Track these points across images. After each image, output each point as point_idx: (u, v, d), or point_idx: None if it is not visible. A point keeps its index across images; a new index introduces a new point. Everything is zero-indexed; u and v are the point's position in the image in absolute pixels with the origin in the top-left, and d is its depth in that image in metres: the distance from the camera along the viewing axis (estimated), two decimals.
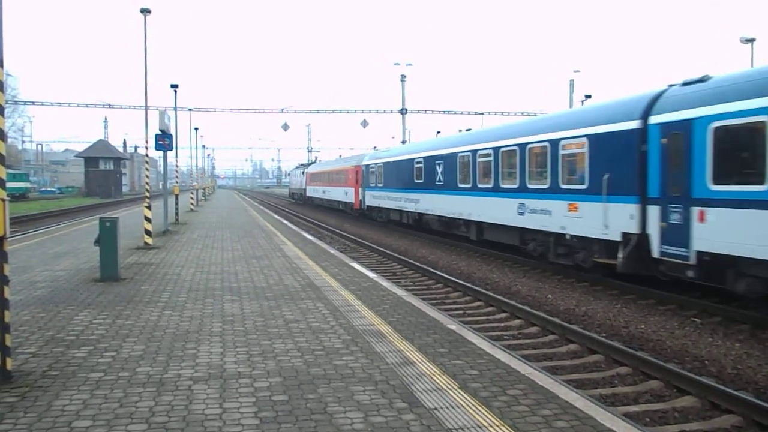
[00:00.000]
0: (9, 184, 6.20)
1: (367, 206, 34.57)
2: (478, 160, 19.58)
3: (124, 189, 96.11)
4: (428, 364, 6.57)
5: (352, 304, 9.69)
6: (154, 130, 21.81)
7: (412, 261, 18.26)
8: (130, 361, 6.62)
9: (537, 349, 9.64)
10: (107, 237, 11.81)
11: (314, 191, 53.34)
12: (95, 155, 79.91)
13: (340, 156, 58.31)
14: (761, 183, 9.41)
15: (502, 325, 11.16)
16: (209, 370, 6.32)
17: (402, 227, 29.16)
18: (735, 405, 6.81)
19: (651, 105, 12.16)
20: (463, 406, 5.32)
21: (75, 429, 4.81)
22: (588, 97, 42.08)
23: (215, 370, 6.32)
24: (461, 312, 12.07)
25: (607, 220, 13.00)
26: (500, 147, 18.00)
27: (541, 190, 15.67)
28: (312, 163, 68.66)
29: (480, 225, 19.94)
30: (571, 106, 43.75)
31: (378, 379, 6.06)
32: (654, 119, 11.87)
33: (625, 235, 12.52)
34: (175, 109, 29.80)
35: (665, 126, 11.54)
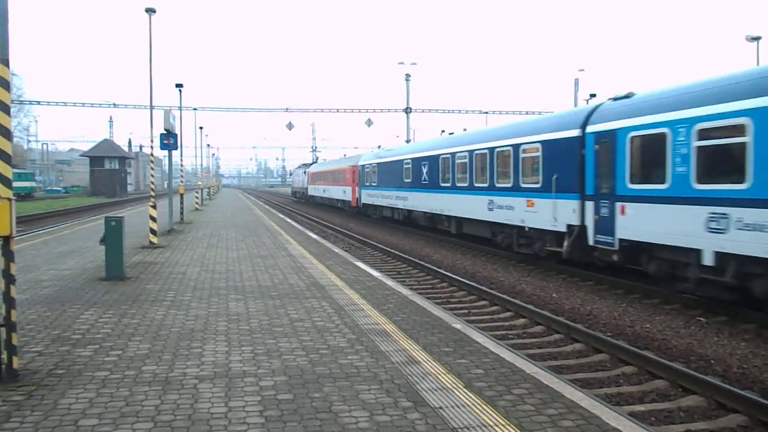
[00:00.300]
0: (15, 184, 6.22)
1: (363, 204, 36.68)
2: (456, 161, 21.79)
3: (130, 188, 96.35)
4: (433, 363, 6.57)
5: (356, 303, 9.70)
6: (159, 129, 21.87)
7: (416, 260, 18.26)
8: (135, 359, 6.64)
9: (542, 348, 9.63)
10: (113, 236, 11.84)
11: (315, 190, 55.70)
12: (100, 155, 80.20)
13: (345, 155, 58.57)
14: (664, 182, 11.68)
15: (507, 324, 11.15)
16: (215, 368, 6.34)
17: (400, 225, 29.80)
18: (741, 404, 6.79)
19: (589, 116, 14.42)
20: (469, 405, 5.31)
21: (81, 427, 4.82)
22: (593, 95, 42.06)
23: (220, 368, 6.34)
24: (466, 311, 12.07)
25: (556, 214, 15.28)
26: (474, 150, 20.36)
27: (506, 189, 18.01)
28: (313, 163, 71.17)
29: (459, 220, 22.14)
30: (575, 104, 43.66)
31: (383, 378, 6.06)
32: (590, 129, 14.19)
33: (569, 226, 14.77)
34: (180, 108, 29.89)
35: (597, 135, 13.89)
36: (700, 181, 10.87)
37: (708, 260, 10.61)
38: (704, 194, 10.75)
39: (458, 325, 8.31)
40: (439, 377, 6.08)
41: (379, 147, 45.08)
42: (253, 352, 6.94)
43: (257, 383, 5.88)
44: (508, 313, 11.80)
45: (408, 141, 53.57)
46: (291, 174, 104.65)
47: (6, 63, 5.95)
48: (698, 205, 10.85)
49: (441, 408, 5.24)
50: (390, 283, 11.77)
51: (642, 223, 12.24)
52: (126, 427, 4.83)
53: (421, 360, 6.67)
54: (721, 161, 10.74)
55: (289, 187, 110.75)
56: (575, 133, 14.68)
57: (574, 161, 14.57)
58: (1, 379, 5.88)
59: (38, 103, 73.10)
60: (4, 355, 5.94)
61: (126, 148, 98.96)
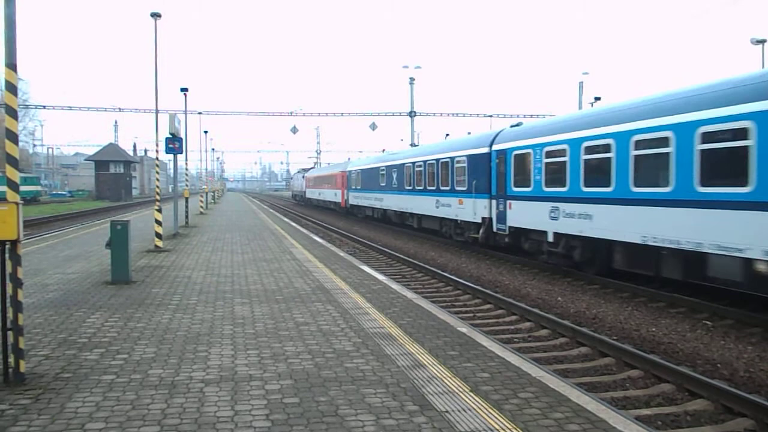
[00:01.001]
0: (21, 188, 6.25)
1: (350, 205, 41.99)
2: (415, 169, 27.21)
3: (135, 192, 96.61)
4: (439, 366, 6.56)
5: (362, 307, 9.70)
6: (165, 133, 21.95)
7: (421, 264, 18.26)
8: (142, 363, 6.66)
9: (548, 351, 9.61)
10: (118, 240, 11.88)
11: (312, 193, 61.87)
12: (106, 159, 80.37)
13: (348, 159, 59.10)
14: (529, 186, 16.95)
15: (513, 327, 11.13)
16: (221, 372, 6.35)
17: (403, 228, 30.66)
18: (748, 408, 6.76)
19: (495, 138, 19.74)
20: (475, 409, 5.31)
21: (88, 431, 4.84)
22: (597, 99, 41.96)
23: (227, 372, 6.35)
24: (471, 315, 12.05)
25: (476, 209, 20.59)
26: (426, 160, 25.91)
27: (447, 191, 23.40)
28: (311, 168, 76.88)
29: (419, 216, 27.28)
30: (580, 107, 43.63)
31: (389, 381, 6.06)
32: (494, 147, 19.49)
33: (483, 218, 20.00)
34: (185, 112, 29.92)
35: (497, 152, 19.22)
36: (546, 185, 16.10)
37: (550, 238, 15.95)
38: (548, 194, 16.08)
39: (464, 329, 8.31)
40: (445, 381, 6.08)
41: (383, 150, 45.75)
42: (259, 356, 6.94)
43: (263, 387, 5.88)
44: (514, 317, 11.78)
45: (412, 144, 53.60)
46: (292, 178, 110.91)
47: (14, 68, 5.99)
48: (545, 202, 16.15)
49: (447, 412, 5.24)
50: (395, 286, 11.77)
51: (520, 214, 17.64)
52: (132, 430, 4.84)
53: (426, 363, 6.67)
54: (555, 173, 15.69)
55: None
56: (486, 150, 20.04)
57: (485, 171, 19.93)
58: (8, 383, 5.90)
59: (44, 107, 73.11)
60: (11, 359, 5.96)
61: (131, 152, 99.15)
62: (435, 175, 24.52)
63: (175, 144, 22.17)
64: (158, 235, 18.05)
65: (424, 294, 13.65)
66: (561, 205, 15.33)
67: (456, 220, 22.46)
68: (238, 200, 75.68)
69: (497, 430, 4.88)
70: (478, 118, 66.03)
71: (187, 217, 29.65)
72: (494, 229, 19.13)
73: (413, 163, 27.52)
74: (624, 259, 13.73)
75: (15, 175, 6.00)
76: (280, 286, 11.64)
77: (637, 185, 12.73)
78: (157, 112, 20.38)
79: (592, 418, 5.12)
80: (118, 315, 9.05)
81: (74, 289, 11.29)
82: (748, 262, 10.16)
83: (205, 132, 55.74)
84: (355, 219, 39.51)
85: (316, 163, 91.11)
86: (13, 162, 6.00)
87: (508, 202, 18.23)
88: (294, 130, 67.82)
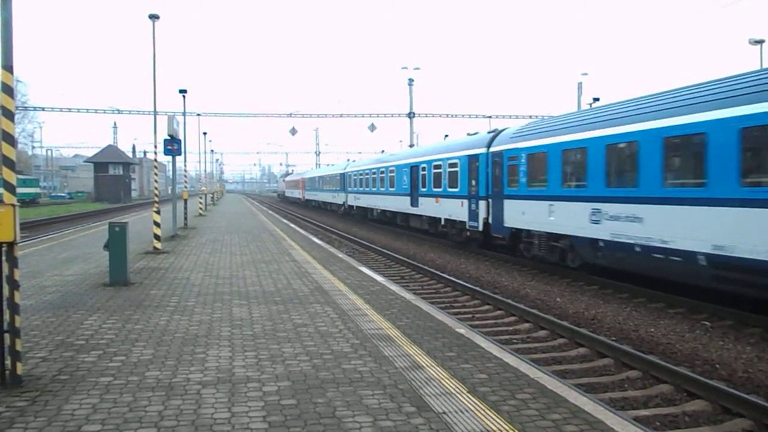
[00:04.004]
0: (19, 190, 6.24)
1: (351, 206, 49.25)
2: (380, 174, 33.51)
3: (134, 194, 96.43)
4: (437, 368, 6.56)
5: (360, 308, 9.69)
6: (163, 135, 21.94)
7: (420, 265, 18.25)
8: (139, 365, 6.64)
9: (546, 352, 9.61)
10: (116, 242, 11.86)
11: (287, 192, 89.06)
12: (104, 160, 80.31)
13: (349, 159, 60.34)
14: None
15: (511, 328, 11.12)
16: (218, 374, 6.34)
17: (400, 228, 29.93)
18: (746, 409, 6.76)
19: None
20: (472, 410, 5.30)
21: None
22: (596, 99, 41.93)
23: (224, 374, 6.34)
24: (470, 316, 12.05)
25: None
26: (386, 167, 32.44)
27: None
28: (289, 174, 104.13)
29: (386, 212, 33.01)
30: (579, 107, 43.61)
31: (387, 383, 6.05)
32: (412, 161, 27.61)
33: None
34: (184, 114, 29.94)
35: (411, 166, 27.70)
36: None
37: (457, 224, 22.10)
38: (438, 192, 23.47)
39: (462, 330, 8.30)
40: (443, 382, 6.07)
41: (382, 151, 46.31)
42: (257, 358, 6.93)
43: (261, 389, 5.87)
44: (512, 318, 11.77)
45: (411, 145, 53.59)
46: (277, 181, 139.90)
47: (10, 69, 5.98)
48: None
49: (445, 413, 5.23)
50: (394, 287, 11.76)
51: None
52: None
53: (424, 365, 6.66)
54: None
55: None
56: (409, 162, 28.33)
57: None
58: (4, 385, 5.89)
59: (42, 109, 72.70)
60: (8, 361, 5.95)
61: (130, 154, 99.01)
62: (381, 180, 32.58)
63: (173, 146, 22.17)
64: (157, 237, 18.03)
65: (423, 295, 13.65)
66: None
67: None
68: (238, 202, 75.64)
69: (495, 431, 4.87)
70: (477, 119, 66.02)
71: (185, 218, 29.63)
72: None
73: (377, 168, 34.37)
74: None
75: (12, 178, 5.98)
76: (278, 287, 11.63)
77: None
78: (155, 113, 20.36)
79: (590, 419, 5.11)
80: (116, 317, 9.04)
81: (72, 291, 11.27)
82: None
83: (204, 133, 55.71)
84: (354, 221, 40.42)
85: (291, 171, 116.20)
86: (10, 164, 5.99)
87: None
88: (293, 131, 67.85)
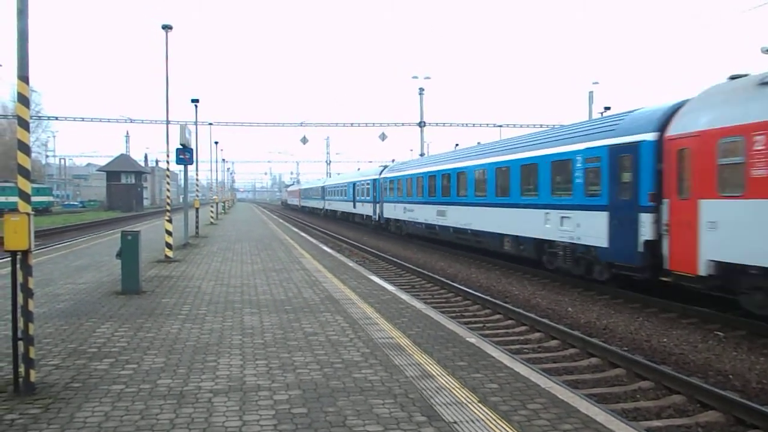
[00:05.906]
0: (33, 198, 6.30)
1: (327, 209, 59.78)
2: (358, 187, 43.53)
3: (146, 203, 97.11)
4: (448, 377, 6.54)
5: (371, 317, 9.69)
6: (175, 144, 22.08)
7: (430, 274, 18.22)
8: (151, 373, 6.68)
9: (557, 362, 9.56)
10: (129, 250, 11.94)
11: (289, 200, 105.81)
12: (117, 169, 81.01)
13: (358, 169, 62.11)
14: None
15: (522, 338, 11.08)
16: (229, 382, 6.36)
17: (409, 238, 30.02)
18: (760, 420, 6.68)
19: (381, 172, 34.97)
20: (483, 420, 5.28)
21: None
22: (607, 108, 41.87)
23: (235, 382, 6.35)
24: (481, 325, 12.01)
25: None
26: (356, 180, 42.87)
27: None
28: (291, 184, 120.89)
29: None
30: (590, 117, 43.53)
31: (397, 392, 6.05)
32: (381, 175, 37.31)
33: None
34: (196, 123, 30.12)
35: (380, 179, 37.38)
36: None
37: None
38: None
39: (473, 339, 8.28)
40: (454, 392, 6.05)
41: (393, 160, 46.53)
42: (268, 366, 6.95)
43: (272, 397, 5.88)
44: (523, 327, 11.72)
45: (422, 154, 53.65)
46: (280, 190, 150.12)
47: (26, 80, 6.06)
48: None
49: (455, 423, 5.22)
50: (404, 297, 11.75)
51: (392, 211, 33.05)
52: None
53: (435, 374, 6.65)
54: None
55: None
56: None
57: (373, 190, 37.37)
58: (18, 392, 5.94)
59: (56, 118, 73.49)
60: (22, 369, 6.00)
61: (142, 163, 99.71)
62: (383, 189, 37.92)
63: (185, 155, 22.31)
64: (168, 245, 18.13)
65: (433, 304, 13.62)
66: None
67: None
68: (248, 210, 75.93)
69: None
70: (487, 128, 65.90)
71: (197, 227, 29.78)
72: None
73: (354, 182, 44.34)
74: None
75: (27, 186, 6.05)
76: (289, 296, 11.66)
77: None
78: (168, 123, 20.51)
79: (602, 430, 5.08)
80: (128, 325, 9.09)
81: (85, 299, 11.35)
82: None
83: (216, 143, 56.11)
84: (366, 230, 40.87)
85: (296, 181, 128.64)
86: (25, 173, 6.06)
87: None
88: (304, 140, 67.94)
